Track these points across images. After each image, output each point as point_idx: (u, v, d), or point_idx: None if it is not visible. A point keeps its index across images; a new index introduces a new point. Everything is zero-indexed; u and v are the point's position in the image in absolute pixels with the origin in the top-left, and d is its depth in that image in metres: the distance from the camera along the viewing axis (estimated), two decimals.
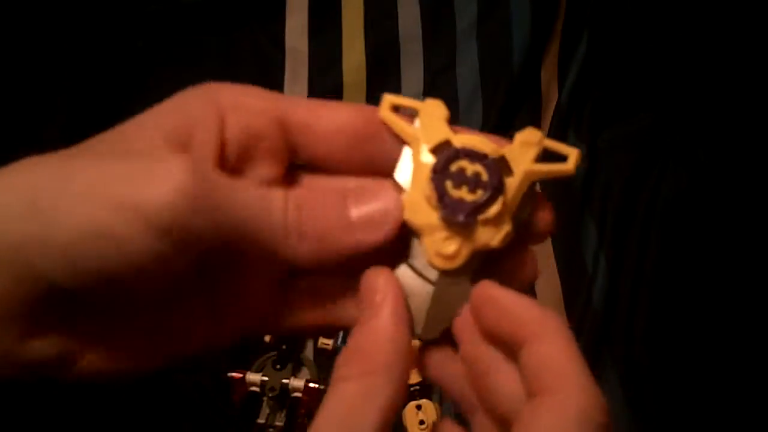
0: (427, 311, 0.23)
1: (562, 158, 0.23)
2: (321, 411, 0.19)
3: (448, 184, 0.21)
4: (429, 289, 0.22)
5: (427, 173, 0.22)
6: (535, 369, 0.20)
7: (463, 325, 0.22)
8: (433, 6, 0.70)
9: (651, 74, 0.64)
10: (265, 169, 0.21)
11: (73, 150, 0.20)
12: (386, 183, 0.22)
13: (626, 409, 0.52)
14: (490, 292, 0.21)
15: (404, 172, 0.22)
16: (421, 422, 0.53)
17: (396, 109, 0.23)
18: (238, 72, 0.69)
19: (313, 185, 0.22)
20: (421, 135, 0.22)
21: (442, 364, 0.23)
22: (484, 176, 0.21)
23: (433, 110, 0.23)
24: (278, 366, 0.54)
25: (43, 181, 0.19)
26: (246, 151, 0.21)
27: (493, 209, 0.21)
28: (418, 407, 0.53)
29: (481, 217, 0.21)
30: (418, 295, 0.22)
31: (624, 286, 0.56)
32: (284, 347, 0.55)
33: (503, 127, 0.65)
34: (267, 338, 0.57)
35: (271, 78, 0.68)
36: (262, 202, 0.20)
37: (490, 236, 0.22)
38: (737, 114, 0.60)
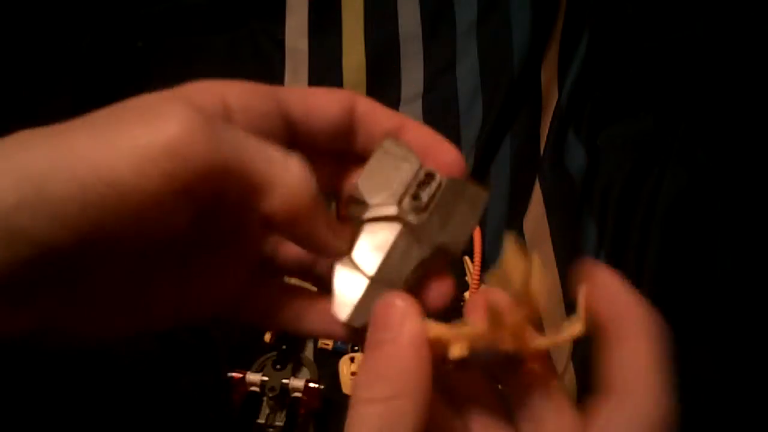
0: (358, 301, 0.24)
1: None
2: None
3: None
4: (363, 283, 0.24)
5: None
6: (615, 367, 0.21)
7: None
8: (433, 6, 0.70)
9: (651, 74, 0.64)
10: None
11: (64, 123, 0.20)
12: None
13: None
14: (603, 275, 0.22)
15: None
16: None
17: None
18: (239, 72, 0.69)
19: None
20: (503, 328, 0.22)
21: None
22: None
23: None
24: (278, 366, 0.54)
25: (36, 147, 0.18)
26: None
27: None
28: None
29: None
30: (352, 287, 0.24)
31: None
32: (284, 347, 0.56)
33: (503, 127, 0.65)
34: (267, 338, 0.57)
35: (271, 78, 0.68)
36: (262, 146, 0.20)
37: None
38: (737, 114, 0.60)
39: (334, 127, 0.24)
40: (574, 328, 0.22)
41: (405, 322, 0.21)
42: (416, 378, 0.21)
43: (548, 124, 0.65)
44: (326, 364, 0.56)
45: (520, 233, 0.61)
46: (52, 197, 0.18)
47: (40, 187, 0.18)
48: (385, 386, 0.20)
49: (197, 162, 0.19)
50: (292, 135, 0.24)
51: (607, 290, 0.22)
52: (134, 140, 0.18)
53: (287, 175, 0.20)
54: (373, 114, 0.24)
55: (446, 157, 0.24)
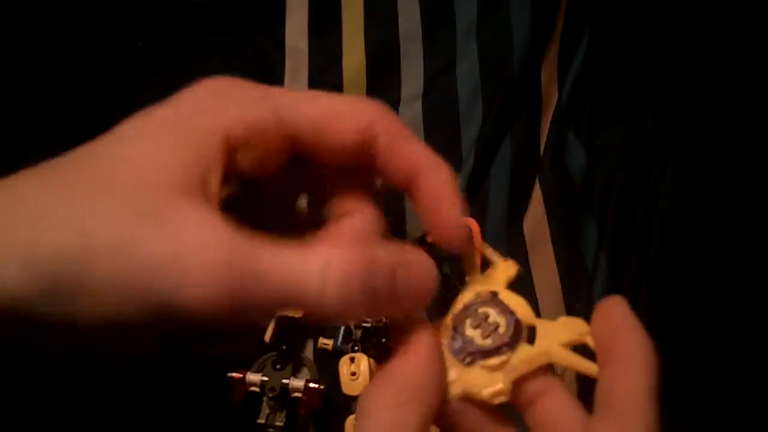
0: None
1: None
2: None
3: (468, 321, 0.24)
4: None
5: (459, 308, 0.24)
6: (614, 389, 0.22)
7: None
8: (433, 6, 0.70)
9: (651, 74, 0.64)
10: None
11: (71, 185, 0.19)
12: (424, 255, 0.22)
13: None
14: (614, 305, 0.23)
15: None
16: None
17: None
18: (239, 72, 0.69)
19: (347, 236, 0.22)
20: (480, 280, 0.26)
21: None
22: (502, 329, 0.23)
23: (505, 270, 0.26)
24: (278, 366, 0.54)
25: (49, 225, 0.18)
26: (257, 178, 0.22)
27: (494, 361, 0.23)
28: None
29: (481, 363, 0.23)
30: None
31: (624, 286, 0.56)
32: (284, 347, 0.55)
33: (503, 127, 0.65)
34: (267, 338, 0.56)
35: (271, 78, 0.68)
36: (300, 271, 0.19)
37: (483, 383, 0.23)
38: (737, 114, 0.60)
39: (348, 152, 0.22)
40: (590, 366, 0.23)
41: (421, 338, 0.22)
42: (425, 384, 0.21)
43: (548, 124, 0.65)
44: (326, 364, 0.56)
45: (520, 233, 0.61)
46: (67, 289, 0.18)
47: (54, 279, 0.18)
48: (395, 393, 0.21)
49: (212, 312, 0.18)
50: (299, 159, 0.23)
51: (605, 313, 0.23)
52: (147, 273, 0.18)
53: (318, 297, 0.19)
54: (393, 149, 0.23)
55: (446, 217, 0.23)
